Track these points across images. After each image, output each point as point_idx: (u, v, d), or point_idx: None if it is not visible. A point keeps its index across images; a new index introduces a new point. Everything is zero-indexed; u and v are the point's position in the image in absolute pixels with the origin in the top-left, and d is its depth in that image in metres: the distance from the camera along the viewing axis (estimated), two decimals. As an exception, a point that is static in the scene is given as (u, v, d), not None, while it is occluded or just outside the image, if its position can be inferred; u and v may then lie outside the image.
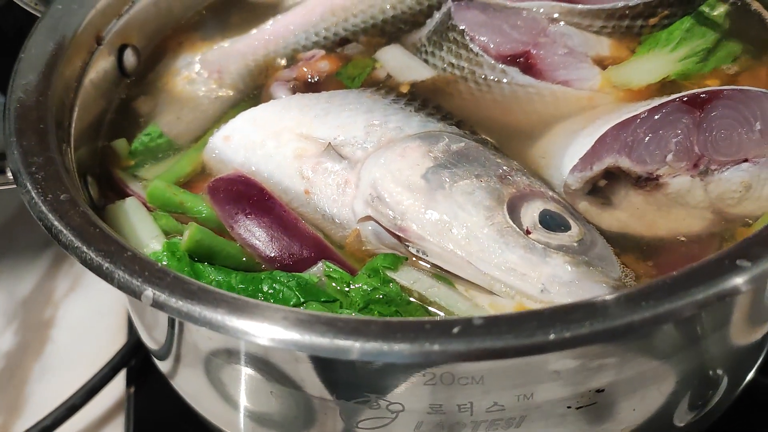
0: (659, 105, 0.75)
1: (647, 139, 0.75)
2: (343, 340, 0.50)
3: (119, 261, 0.57)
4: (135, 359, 1.03)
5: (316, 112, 0.83)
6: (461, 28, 0.90)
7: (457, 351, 0.49)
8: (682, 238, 0.73)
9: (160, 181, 0.80)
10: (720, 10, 0.92)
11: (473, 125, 0.85)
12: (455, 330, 0.49)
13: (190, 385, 0.76)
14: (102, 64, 0.90)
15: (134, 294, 0.54)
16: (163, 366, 0.77)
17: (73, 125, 0.80)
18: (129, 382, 1.03)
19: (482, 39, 0.90)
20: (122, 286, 0.55)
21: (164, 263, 0.70)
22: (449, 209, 0.70)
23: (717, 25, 0.91)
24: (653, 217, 0.75)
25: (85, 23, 0.87)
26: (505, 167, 0.75)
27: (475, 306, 0.67)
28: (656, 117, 0.75)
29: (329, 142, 0.78)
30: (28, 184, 0.64)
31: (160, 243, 0.73)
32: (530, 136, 0.85)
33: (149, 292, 0.54)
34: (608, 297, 0.51)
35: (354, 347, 0.50)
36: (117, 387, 1.05)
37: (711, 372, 0.67)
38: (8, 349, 1.26)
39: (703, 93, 0.75)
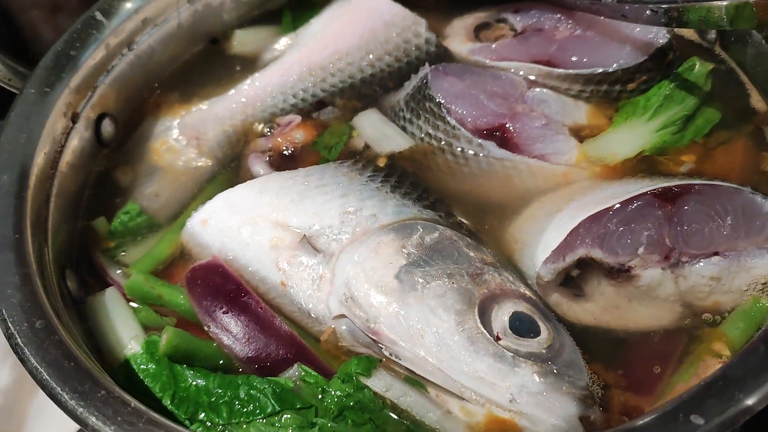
0: (631, 198, 0.75)
1: (619, 231, 0.76)
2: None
3: (92, 404, 0.58)
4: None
5: (292, 197, 0.83)
6: (438, 99, 0.90)
7: None
8: (652, 333, 0.74)
9: (139, 275, 0.80)
10: (701, 70, 0.91)
11: (450, 203, 0.86)
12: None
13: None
14: (78, 142, 0.90)
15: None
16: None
17: (51, 217, 0.81)
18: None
19: (459, 111, 0.89)
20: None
21: (144, 367, 0.72)
22: (421, 314, 0.71)
23: (697, 87, 0.90)
24: (624, 310, 0.76)
25: (58, 105, 0.86)
26: (477, 263, 0.75)
27: (447, 414, 0.69)
28: (628, 210, 0.76)
29: (304, 234, 0.79)
30: (3, 311, 0.65)
31: (140, 343, 0.74)
32: (507, 212, 0.86)
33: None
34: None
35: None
36: None
37: None
38: (5, 386, 1.28)
39: (675, 187, 0.75)
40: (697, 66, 0.90)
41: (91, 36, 0.93)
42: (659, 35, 0.92)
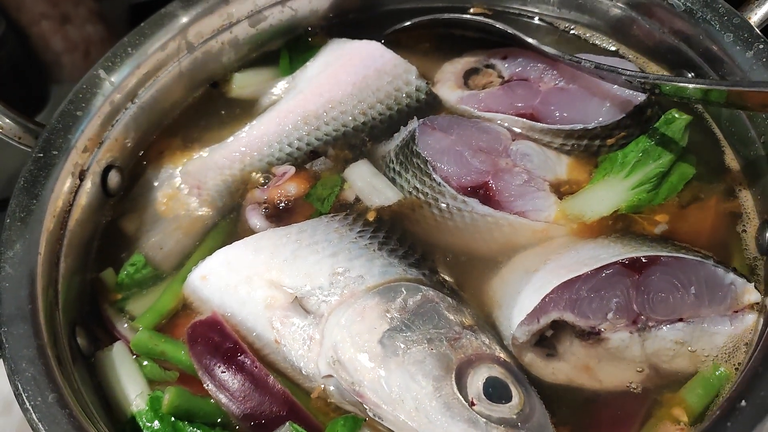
0: (602, 267, 0.80)
1: (590, 297, 0.81)
2: None
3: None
4: None
5: (285, 256, 0.89)
6: (424, 156, 0.94)
7: None
8: (619, 394, 0.79)
9: (144, 332, 0.87)
10: (679, 124, 0.94)
11: (435, 256, 0.91)
12: None
13: None
14: (86, 197, 0.95)
15: None
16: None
17: (61, 278, 0.87)
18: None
19: (444, 169, 0.93)
20: None
21: (149, 424, 0.79)
22: (402, 379, 0.77)
23: (674, 142, 0.94)
24: (594, 370, 0.81)
25: (66, 167, 0.92)
26: (456, 327, 0.81)
27: (425, 476, 0.75)
28: (599, 278, 0.80)
29: (296, 296, 0.85)
30: (19, 386, 0.72)
31: (145, 400, 0.81)
32: (489, 265, 0.91)
33: None
34: None
35: None
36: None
37: None
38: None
39: (643, 258, 0.80)
40: (675, 117, 0.93)
41: (95, 94, 0.97)
42: (638, 92, 0.95)
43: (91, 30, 1.83)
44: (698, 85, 0.80)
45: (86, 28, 1.81)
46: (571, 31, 1.11)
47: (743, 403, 0.64)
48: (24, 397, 0.71)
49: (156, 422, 0.79)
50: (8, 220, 0.85)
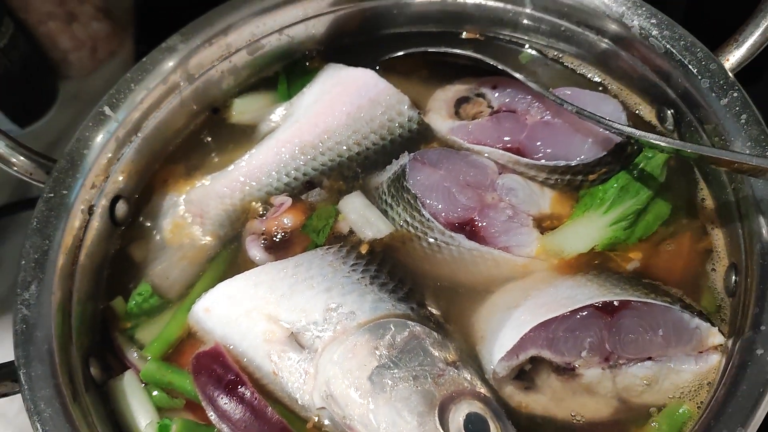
0: (577, 309, 0.86)
1: (566, 337, 0.86)
2: None
3: None
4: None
5: (282, 291, 0.95)
6: (414, 192, 0.99)
7: None
8: (591, 425, 0.86)
9: (152, 363, 0.94)
10: (658, 159, 0.98)
11: (423, 288, 0.97)
12: None
13: None
14: (96, 231, 1.01)
15: None
16: None
17: (74, 312, 0.93)
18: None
19: (433, 205, 0.99)
20: None
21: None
22: (389, 415, 0.83)
23: (652, 178, 0.98)
24: (569, 402, 0.88)
25: (76, 205, 0.97)
26: (440, 364, 0.87)
27: (409, 504, 0.82)
28: (574, 319, 0.86)
29: (291, 332, 0.91)
30: (38, 425, 0.79)
31: (154, 428, 0.89)
32: (474, 295, 0.97)
33: None
34: None
35: None
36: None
37: None
38: None
39: (616, 302, 0.85)
40: (654, 154, 0.97)
41: (101, 132, 1.02)
42: (619, 130, 0.99)
43: (97, 27, 1.86)
44: (669, 145, 0.84)
45: (92, 25, 1.85)
46: (560, 60, 1.14)
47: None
48: (42, 444, 0.78)
49: (164, 450, 0.86)
50: (23, 262, 0.91)
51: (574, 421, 0.86)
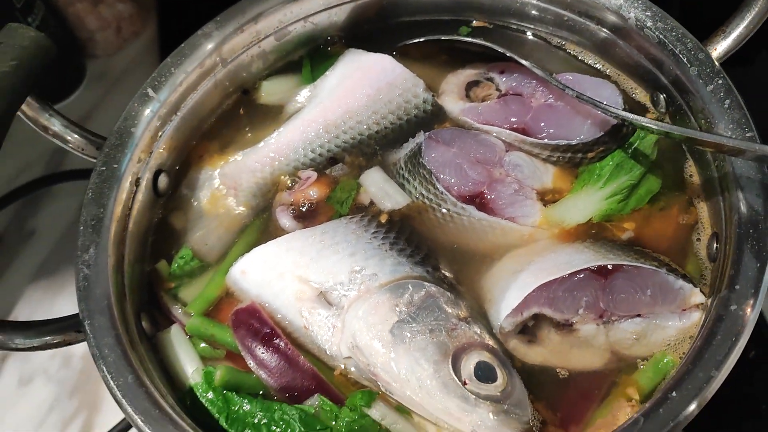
0: (575, 272, 0.97)
1: (565, 296, 0.98)
2: None
3: (173, 444, 0.84)
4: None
5: (311, 255, 1.06)
6: (429, 167, 1.10)
7: None
8: (586, 374, 0.97)
9: (196, 318, 1.05)
10: (650, 139, 1.09)
11: (438, 255, 1.08)
12: None
13: None
14: (141, 201, 1.11)
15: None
16: None
17: (126, 273, 1.04)
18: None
19: (446, 179, 1.09)
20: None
21: (204, 394, 0.98)
22: (408, 363, 0.95)
23: (645, 156, 1.09)
24: (567, 354, 0.99)
25: (125, 177, 1.08)
26: (453, 319, 0.98)
27: (425, 437, 0.94)
28: (572, 280, 0.97)
29: (320, 291, 1.02)
30: (104, 368, 0.91)
31: (200, 374, 1.00)
32: (484, 261, 1.08)
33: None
34: None
35: None
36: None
37: None
38: (84, 353, 1.56)
39: (609, 265, 0.97)
40: (647, 134, 1.08)
41: (145, 111, 1.12)
42: (616, 113, 1.10)
43: (121, 8, 1.97)
44: (659, 128, 0.95)
45: (117, 6, 1.95)
46: (563, 47, 1.24)
47: (674, 393, 0.81)
48: (108, 378, 0.90)
49: (210, 393, 0.98)
50: (81, 228, 1.02)
51: (571, 371, 0.98)
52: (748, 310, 0.85)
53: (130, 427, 1.38)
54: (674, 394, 0.81)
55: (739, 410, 1.27)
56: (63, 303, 1.60)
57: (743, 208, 0.93)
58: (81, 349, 1.56)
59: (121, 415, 1.38)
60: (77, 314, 0.96)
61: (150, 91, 1.14)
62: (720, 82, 1.01)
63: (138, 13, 1.99)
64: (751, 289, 0.86)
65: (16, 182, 1.74)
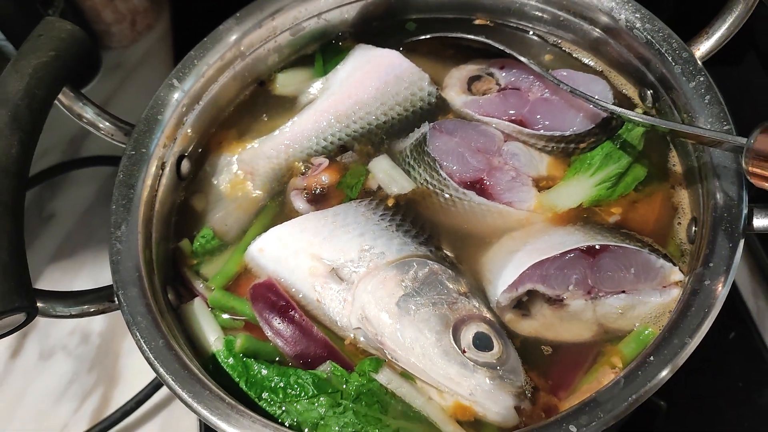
0: (566, 251, 1.06)
1: (556, 274, 1.07)
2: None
3: (202, 400, 0.93)
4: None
5: (324, 235, 1.15)
6: (433, 155, 1.19)
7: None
8: (574, 345, 1.06)
9: (218, 291, 1.14)
10: (637, 131, 1.18)
11: (440, 237, 1.17)
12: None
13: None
14: (165, 183, 1.20)
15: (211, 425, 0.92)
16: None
17: (153, 249, 1.13)
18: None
19: (449, 167, 1.18)
20: (204, 420, 0.92)
21: (225, 360, 1.07)
22: (413, 332, 1.04)
23: (632, 147, 1.18)
24: (557, 327, 1.08)
25: (152, 161, 1.17)
26: (454, 294, 1.07)
27: (428, 400, 1.03)
28: (563, 259, 1.06)
29: (332, 267, 1.11)
30: (137, 333, 0.99)
31: (222, 342, 1.09)
32: (483, 242, 1.16)
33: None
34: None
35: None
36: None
37: None
38: (101, 330, 1.65)
39: (597, 246, 1.06)
40: (634, 126, 1.17)
41: (171, 100, 1.21)
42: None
43: (136, 2, 2.05)
44: (645, 120, 1.04)
45: (132, 0, 2.03)
46: (559, 45, 1.33)
47: (651, 358, 0.91)
48: (141, 342, 0.99)
49: (231, 359, 1.07)
50: (113, 207, 1.11)
51: (561, 343, 1.07)
52: (720, 285, 0.94)
53: (146, 399, 1.48)
54: (652, 358, 0.90)
55: (718, 389, 1.37)
56: (81, 283, 1.69)
57: (719, 194, 1.02)
58: (99, 326, 1.66)
59: (136, 390, 1.49)
60: (110, 285, 1.05)
61: (175, 82, 1.23)
62: (701, 79, 1.10)
63: (152, 7, 2.07)
64: (723, 267, 0.95)
65: (36, 168, 1.82)
